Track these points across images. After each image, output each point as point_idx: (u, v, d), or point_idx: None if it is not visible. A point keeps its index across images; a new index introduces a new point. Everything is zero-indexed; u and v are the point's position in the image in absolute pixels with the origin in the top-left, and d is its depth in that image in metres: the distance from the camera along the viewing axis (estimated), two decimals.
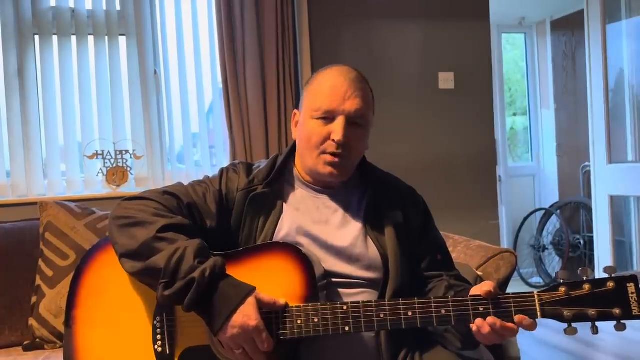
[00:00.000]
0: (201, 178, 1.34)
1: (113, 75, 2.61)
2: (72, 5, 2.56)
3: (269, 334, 1.09)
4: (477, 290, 1.12)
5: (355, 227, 1.29)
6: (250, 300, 1.07)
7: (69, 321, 1.22)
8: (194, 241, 1.12)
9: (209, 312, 1.07)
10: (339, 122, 1.22)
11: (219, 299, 1.07)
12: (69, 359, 1.21)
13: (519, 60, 5.07)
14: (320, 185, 1.32)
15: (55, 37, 2.55)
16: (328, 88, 1.24)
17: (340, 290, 1.24)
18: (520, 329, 1.08)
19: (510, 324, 1.07)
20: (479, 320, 1.08)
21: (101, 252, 1.26)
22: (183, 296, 1.06)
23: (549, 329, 1.42)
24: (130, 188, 2.60)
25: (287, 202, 1.31)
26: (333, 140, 1.22)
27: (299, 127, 1.30)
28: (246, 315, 1.06)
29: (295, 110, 1.35)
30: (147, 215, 1.16)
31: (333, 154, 1.23)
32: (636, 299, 1.04)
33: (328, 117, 1.23)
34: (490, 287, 1.09)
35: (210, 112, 2.85)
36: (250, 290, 1.09)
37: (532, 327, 1.07)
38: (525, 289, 4.46)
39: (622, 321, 1.05)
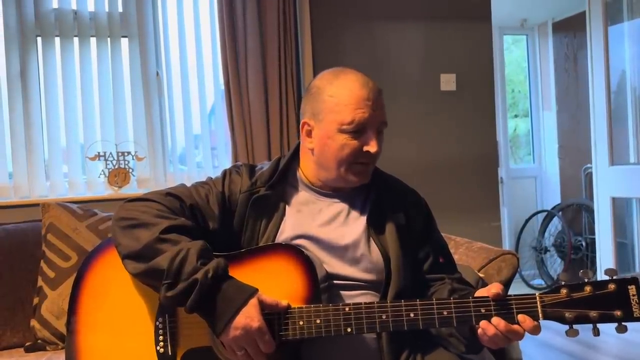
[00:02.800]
0: (203, 179, 1.34)
1: (115, 76, 2.61)
2: (74, 7, 2.57)
3: (271, 335, 1.09)
4: (484, 292, 1.11)
5: (357, 229, 1.29)
6: (253, 302, 1.07)
7: (70, 323, 1.23)
8: (197, 242, 1.12)
9: (212, 313, 1.07)
10: (372, 134, 1.23)
11: (222, 301, 1.07)
12: None
13: (522, 61, 5.07)
14: (326, 188, 1.32)
15: (57, 39, 2.55)
16: (355, 100, 1.21)
17: (342, 292, 1.25)
18: (527, 333, 1.08)
19: (515, 326, 1.06)
20: (483, 322, 1.08)
21: (102, 254, 1.26)
22: (186, 297, 1.06)
23: (550, 331, 1.42)
24: (132, 189, 2.60)
25: (289, 204, 1.31)
26: (368, 152, 1.23)
27: (321, 139, 1.26)
28: (248, 316, 1.06)
29: (306, 120, 1.29)
30: (150, 216, 1.16)
31: (364, 164, 1.25)
32: (637, 301, 1.04)
33: (359, 130, 1.22)
34: (499, 289, 1.09)
35: (212, 113, 2.85)
36: (253, 291, 1.09)
37: (535, 330, 1.06)
38: (527, 290, 4.45)
39: (623, 323, 1.05)
